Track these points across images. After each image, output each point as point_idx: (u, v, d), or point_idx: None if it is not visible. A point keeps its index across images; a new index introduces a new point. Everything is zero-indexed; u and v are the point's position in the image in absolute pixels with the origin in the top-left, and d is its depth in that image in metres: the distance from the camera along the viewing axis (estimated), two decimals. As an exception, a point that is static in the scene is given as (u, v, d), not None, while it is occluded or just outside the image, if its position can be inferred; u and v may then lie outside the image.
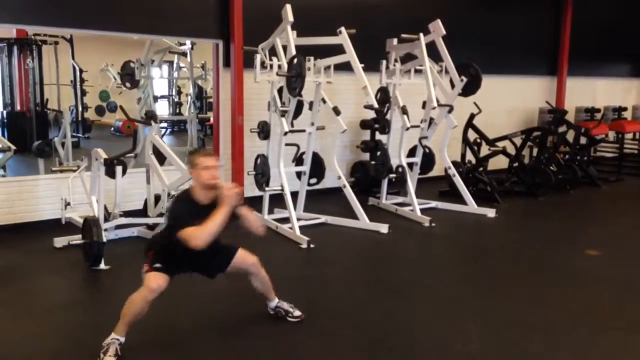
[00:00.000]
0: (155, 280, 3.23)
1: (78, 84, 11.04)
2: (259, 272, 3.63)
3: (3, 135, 9.23)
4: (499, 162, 8.49)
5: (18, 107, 10.31)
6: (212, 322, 3.86)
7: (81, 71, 11.06)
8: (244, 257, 3.58)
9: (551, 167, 8.31)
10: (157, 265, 3.30)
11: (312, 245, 5.51)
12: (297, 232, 5.71)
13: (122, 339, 3.28)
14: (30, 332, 3.67)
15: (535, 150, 8.60)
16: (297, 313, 3.76)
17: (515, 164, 8.28)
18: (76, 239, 5.05)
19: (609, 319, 3.97)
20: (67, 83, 10.74)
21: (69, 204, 5.40)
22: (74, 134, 10.10)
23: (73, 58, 10.62)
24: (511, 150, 8.22)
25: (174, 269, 3.38)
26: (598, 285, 4.62)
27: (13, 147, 6.57)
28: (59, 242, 5.32)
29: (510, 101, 10.13)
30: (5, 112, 10.32)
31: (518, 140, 8.27)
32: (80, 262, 4.90)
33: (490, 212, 6.90)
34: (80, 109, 11.26)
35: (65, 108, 10.01)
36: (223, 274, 3.60)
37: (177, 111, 12.77)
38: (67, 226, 5.45)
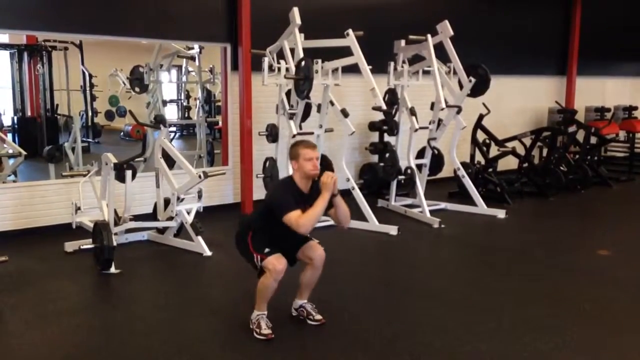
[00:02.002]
0: (278, 262, 3.46)
1: (88, 89, 11.12)
2: (319, 268, 3.71)
3: (14, 140, 9.30)
4: (509, 163, 8.45)
5: (29, 113, 10.40)
6: (222, 325, 3.86)
7: (91, 76, 11.13)
8: (316, 246, 3.71)
9: (561, 167, 8.27)
10: (267, 249, 3.50)
11: (321, 248, 5.50)
12: (307, 234, 5.71)
13: (265, 312, 3.61)
14: (42, 336, 3.68)
15: (545, 151, 8.56)
16: (318, 317, 3.78)
17: (525, 165, 8.24)
18: (87, 243, 5.07)
19: (622, 318, 3.94)
20: (76, 88, 10.83)
21: (79, 208, 5.44)
22: (84, 139, 10.17)
23: (83, 63, 10.70)
24: (521, 150, 8.18)
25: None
26: (610, 285, 4.59)
27: (24, 153, 6.62)
28: (70, 246, 5.35)
29: (520, 101, 10.09)
30: (16, 117, 10.41)
31: (528, 141, 8.23)
32: (91, 266, 4.93)
33: (500, 213, 6.87)
34: (90, 114, 11.34)
35: (75, 113, 10.09)
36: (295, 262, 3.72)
37: (186, 115, 12.83)
38: (77, 230, 5.48)
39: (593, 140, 9.07)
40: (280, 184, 3.83)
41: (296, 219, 3.39)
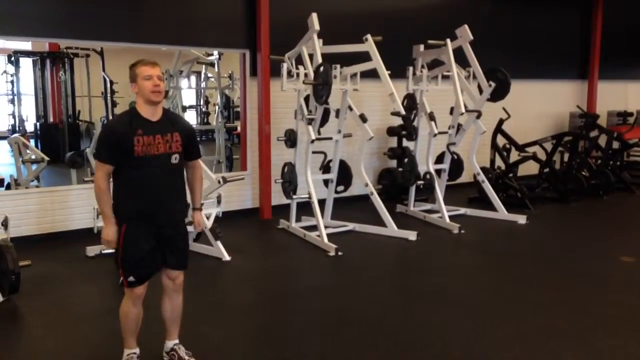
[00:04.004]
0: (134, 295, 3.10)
1: (109, 95, 11.25)
2: (176, 295, 3.25)
3: (37, 146, 9.45)
4: (530, 168, 8.37)
5: (51, 119, 10.58)
6: (240, 331, 3.87)
7: (112, 83, 11.24)
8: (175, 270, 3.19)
9: (583, 173, 8.16)
10: (131, 279, 3.09)
11: (340, 253, 5.49)
12: (325, 239, 5.71)
13: (136, 350, 3.21)
14: (63, 340, 3.72)
15: (566, 156, 8.46)
16: None
17: (546, 170, 8.15)
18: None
19: (647, 327, 3.86)
20: (98, 95, 10.97)
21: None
22: (105, 145, 10.27)
23: (104, 70, 10.82)
24: (542, 155, 8.10)
25: (148, 252, 3.13)
26: (634, 292, 4.50)
27: (46, 158, 6.72)
28: (91, 251, 5.41)
29: (540, 106, 9.99)
30: (38, 123, 10.59)
31: (549, 146, 8.14)
32: (111, 270, 4.95)
33: (521, 219, 6.80)
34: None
35: (96, 119, 10.22)
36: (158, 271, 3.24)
37: (205, 121, 12.93)
38: (99, 235, 5.48)
39: (615, 145, 8.95)
40: (119, 114, 3.16)
41: (99, 177, 2.93)
